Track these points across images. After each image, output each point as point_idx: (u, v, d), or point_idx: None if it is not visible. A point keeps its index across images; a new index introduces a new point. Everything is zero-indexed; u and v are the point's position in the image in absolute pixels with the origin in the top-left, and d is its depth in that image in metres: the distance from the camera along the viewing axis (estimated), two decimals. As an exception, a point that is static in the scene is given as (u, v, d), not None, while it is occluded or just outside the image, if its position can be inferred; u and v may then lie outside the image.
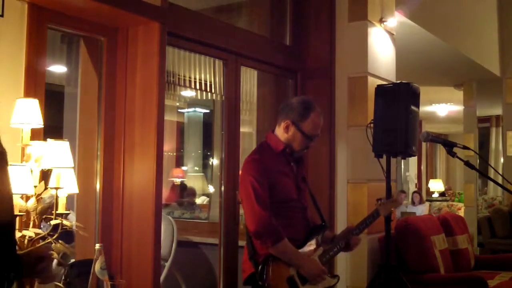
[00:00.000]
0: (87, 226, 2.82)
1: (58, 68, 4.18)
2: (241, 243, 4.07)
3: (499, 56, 7.93)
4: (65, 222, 2.36)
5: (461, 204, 10.14)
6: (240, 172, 2.87)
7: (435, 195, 12.71)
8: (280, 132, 2.85)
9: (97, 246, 2.28)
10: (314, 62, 4.48)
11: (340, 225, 4.15)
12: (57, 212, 2.36)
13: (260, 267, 2.71)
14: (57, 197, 2.36)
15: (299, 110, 2.82)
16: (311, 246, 2.82)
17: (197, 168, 8.47)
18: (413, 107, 3.57)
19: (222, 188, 3.85)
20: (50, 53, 3.25)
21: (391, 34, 4.66)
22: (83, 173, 3.08)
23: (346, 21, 4.41)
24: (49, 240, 2.02)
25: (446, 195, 12.81)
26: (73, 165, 2.46)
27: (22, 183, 2.24)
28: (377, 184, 4.03)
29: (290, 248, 2.71)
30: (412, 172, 13.98)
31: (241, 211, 4.08)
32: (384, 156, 3.67)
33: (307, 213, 2.92)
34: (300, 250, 2.78)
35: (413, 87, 3.58)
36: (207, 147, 8.32)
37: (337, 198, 4.34)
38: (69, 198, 2.57)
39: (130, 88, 3.17)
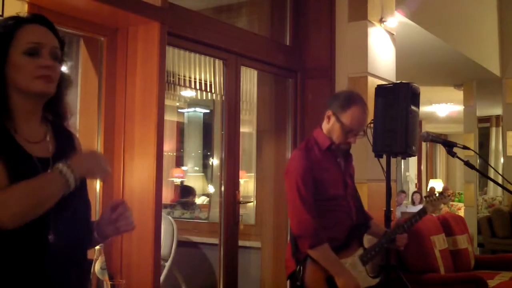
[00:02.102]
0: (87, 226, 2.82)
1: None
2: (241, 243, 4.07)
3: (499, 56, 7.94)
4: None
5: (461, 204, 10.14)
6: (287, 166, 2.81)
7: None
8: (324, 123, 2.81)
9: (97, 246, 2.28)
10: (314, 62, 4.48)
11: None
12: (57, 212, 2.35)
13: (298, 267, 2.68)
14: (57, 197, 2.36)
15: (341, 101, 2.78)
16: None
17: (197, 168, 8.47)
18: (413, 107, 3.56)
19: (222, 188, 3.85)
20: (50, 53, 3.24)
21: (391, 34, 4.66)
22: (83, 173, 3.08)
23: (346, 21, 4.40)
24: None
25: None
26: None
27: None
28: (377, 184, 4.03)
29: (329, 254, 2.66)
30: (412, 172, 13.98)
31: (241, 211, 4.08)
32: (384, 156, 3.67)
33: (352, 211, 2.86)
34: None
35: (413, 87, 3.57)
36: (207, 147, 8.32)
37: (337, 198, 4.33)
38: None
39: (130, 88, 3.16)
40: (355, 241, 2.81)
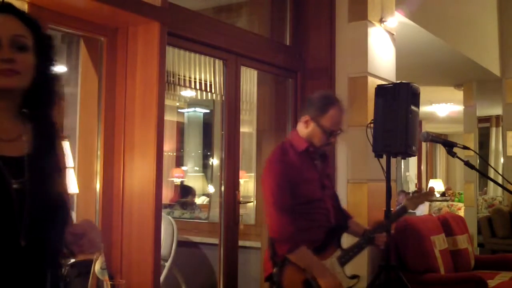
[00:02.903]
0: (87, 226, 2.82)
1: (58, 68, 4.17)
2: (241, 243, 4.07)
3: (499, 56, 7.93)
4: (65, 222, 2.35)
5: (461, 204, 10.13)
6: (263, 171, 2.81)
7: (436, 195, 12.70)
8: (301, 128, 2.80)
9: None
10: (314, 62, 4.48)
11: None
12: (57, 212, 2.35)
13: (276, 269, 2.68)
14: (57, 197, 2.35)
15: (318, 105, 2.77)
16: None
17: (197, 168, 8.48)
18: (413, 107, 3.57)
19: (222, 188, 3.85)
20: (50, 53, 3.24)
21: (391, 34, 4.66)
22: (83, 173, 3.08)
23: (346, 21, 4.41)
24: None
25: (446, 195, 12.81)
26: (73, 165, 2.47)
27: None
28: (377, 184, 4.03)
29: (308, 256, 2.67)
30: (412, 172, 13.98)
31: (241, 211, 4.09)
32: (384, 156, 3.67)
33: (330, 213, 2.85)
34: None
35: (413, 87, 3.58)
36: (207, 147, 8.33)
37: (337, 198, 4.34)
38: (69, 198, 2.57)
39: (130, 88, 3.16)
40: (333, 243, 2.81)
